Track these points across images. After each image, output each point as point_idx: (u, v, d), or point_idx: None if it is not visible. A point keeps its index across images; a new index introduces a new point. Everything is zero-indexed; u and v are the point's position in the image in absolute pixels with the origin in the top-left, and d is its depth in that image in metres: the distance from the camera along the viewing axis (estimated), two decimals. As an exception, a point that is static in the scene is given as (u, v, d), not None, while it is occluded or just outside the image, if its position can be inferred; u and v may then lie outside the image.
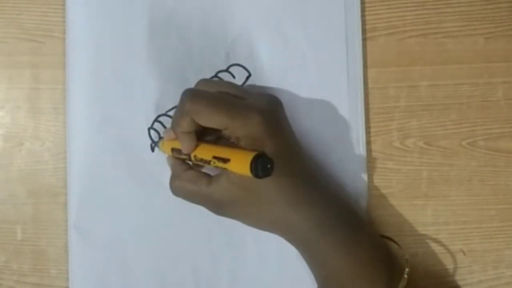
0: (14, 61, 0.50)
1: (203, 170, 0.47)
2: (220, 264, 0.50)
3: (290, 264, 0.50)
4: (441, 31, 0.51)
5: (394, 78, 0.51)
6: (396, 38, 0.51)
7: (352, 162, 0.50)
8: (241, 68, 0.50)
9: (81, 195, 0.49)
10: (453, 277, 0.51)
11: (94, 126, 0.50)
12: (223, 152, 0.42)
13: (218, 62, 0.50)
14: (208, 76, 0.49)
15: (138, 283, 0.50)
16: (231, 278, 0.50)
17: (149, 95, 0.50)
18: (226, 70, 0.50)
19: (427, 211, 0.51)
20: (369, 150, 0.50)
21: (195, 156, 0.45)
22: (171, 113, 0.49)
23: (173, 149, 0.46)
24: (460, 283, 0.51)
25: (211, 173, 0.45)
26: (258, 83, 0.50)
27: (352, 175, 0.50)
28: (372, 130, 0.51)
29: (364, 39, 0.51)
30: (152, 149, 0.50)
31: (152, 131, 0.49)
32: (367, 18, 0.51)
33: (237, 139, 0.43)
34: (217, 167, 0.42)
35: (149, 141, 0.50)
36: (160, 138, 0.49)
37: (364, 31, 0.51)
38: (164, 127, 0.49)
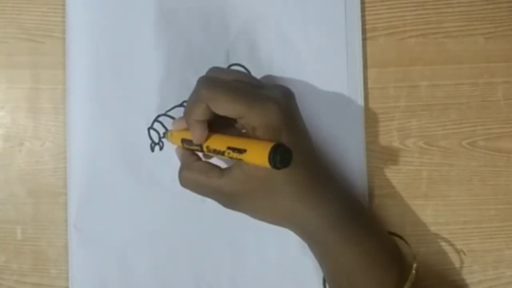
0: (14, 61, 0.50)
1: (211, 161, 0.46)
2: (220, 264, 0.50)
3: (290, 265, 0.50)
4: (441, 31, 0.51)
5: (394, 78, 0.51)
6: (396, 38, 0.51)
7: (352, 162, 0.50)
8: (241, 68, 0.50)
9: (81, 195, 0.49)
10: (453, 277, 0.51)
11: (94, 126, 0.49)
12: (238, 142, 0.41)
13: (218, 61, 0.50)
14: (208, 76, 0.49)
15: (138, 283, 0.50)
16: (231, 279, 0.50)
17: (149, 95, 0.50)
18: (226, 70, 0.50)
19: (427, 211, 0.51)
20: (369, 150, 0.50)
21: (207, 147, 0.43)
22: (171, 113, 0.49)
23: (183, 140, 0.45)
24: (460, 283, 0.51)
25: (221, 164, 0.45)
26: (258, 83, 0.50)
27: (352, 175, 0.50)
28: (372, 130, 0.51)
29: (364, 39, 0.51)
30: (152, 149, 0.50)
31: (152, 131, 0.49)
32: (367, 18, 0.51)
33: (253, 129, 0.42)
34: (231, 158, 0.41)
35: (149, 141, 0.50)
36: (166, 131, 0.49)
37: (364, 31, 0.51)
38: (164, 127, 0.49)
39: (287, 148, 0.39)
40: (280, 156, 0.38)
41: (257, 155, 0.39)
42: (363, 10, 0.51)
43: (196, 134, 0.43)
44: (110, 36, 0.50)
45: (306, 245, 0.46)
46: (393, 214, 0.51)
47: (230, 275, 0.50)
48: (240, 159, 0.41)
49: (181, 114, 0.47)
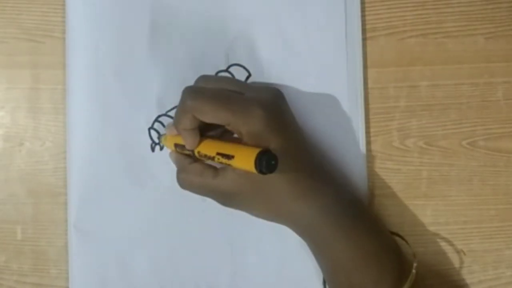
0: (14, 61, 0.50)
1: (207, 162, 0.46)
2: (220, 264, 0.50)
3: (290, 264, 0.50)
4: (441, 31, 0.51)
5: (394, 78, 0.51)
6: (396, 38, 0.51)
7: (352, 162, 0.50)
8: (241, 68, 0.50)
9: (81, 195, 0.49)
10: (453, 277, 0.51)
11: (94, 126, 0.49)
12: (227, 148, 0.42)
13: (218, 62, 0.50)
14: (208, 76, 0.49)
15: (138, 283, 0.50)
16: (231, 278, 0.50)
17: (149, 95, 0.50)
18: (226, 70, 0.50)
19: (427, 211, 0.51)
20: (369, 150, 0.50)
21: (198, 152, 0.44)
22: (171, 113, 0.49)
23: (176, 145, 0.46)
24: (460, 283, 0.51)
25: (216, 165, 0.45)
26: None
27: (352, 175, 0.50)
28: (372, 130, 0.51)
29: (364, 39, 0.51)
30: (152, 149, 0.50)
31: (152, 131, 0.49)
32: (367, 18, 0.51)
33: (240, 135, 0.43)
34: (221, 163, 0.42)
35: (149, 141, 0.50)
36: (161, 135, 0.49)
37: (364, 31, 0.51)
38: (164, 127, 0.49)
39: (273, 154, 0.40)
40: (266, 162, 0.39)
41: (244, 161, 0.40)
42: (363, 10, 0.51)
43: (187, 141, 0.45)
44: (110, 36, 0.50)
45: (306, 245, 0.46)
46: (393, 214, 0.51)
47: (230, 274, 0.50)
48: (229, 165, 0.42)
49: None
